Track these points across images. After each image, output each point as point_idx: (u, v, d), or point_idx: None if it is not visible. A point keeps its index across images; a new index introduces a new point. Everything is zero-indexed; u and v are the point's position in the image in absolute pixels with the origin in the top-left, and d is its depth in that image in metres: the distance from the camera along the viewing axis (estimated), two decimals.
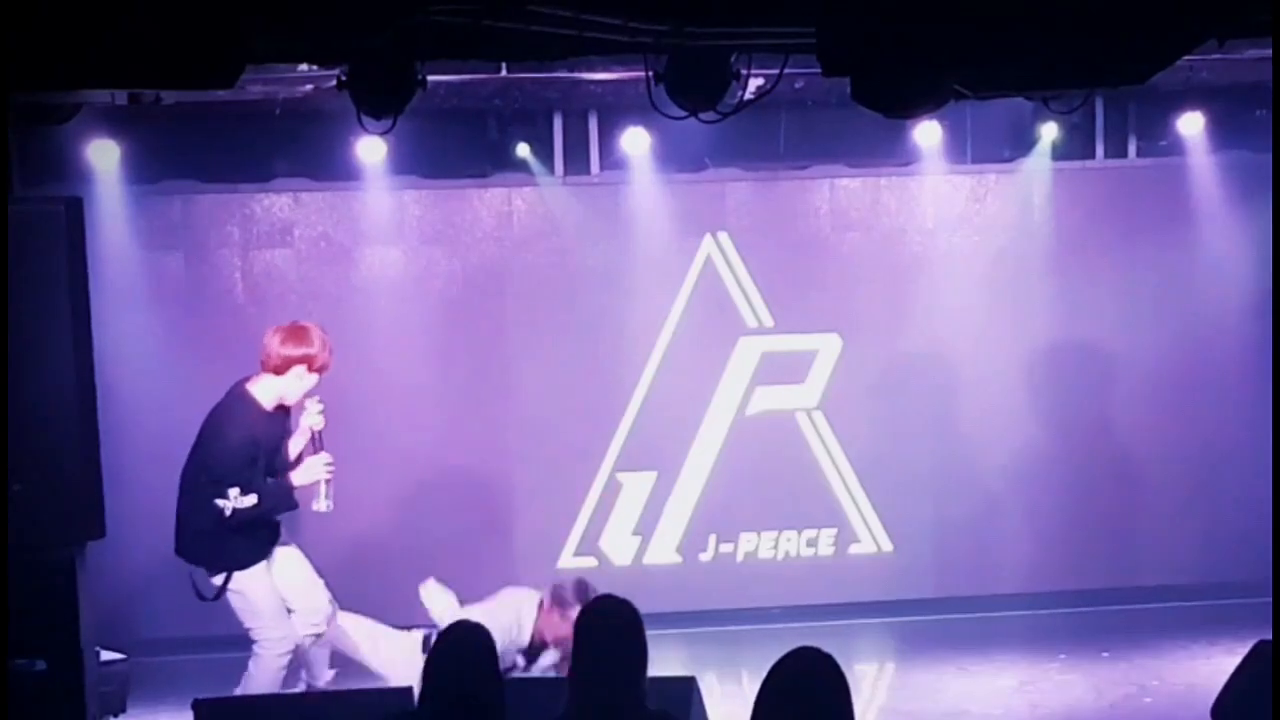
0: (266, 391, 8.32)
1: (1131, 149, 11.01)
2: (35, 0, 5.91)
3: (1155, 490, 10.83)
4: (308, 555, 9.41)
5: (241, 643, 9.24)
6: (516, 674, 8.11)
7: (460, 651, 5.23)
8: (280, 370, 8.29)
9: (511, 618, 8.36)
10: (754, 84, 7.97)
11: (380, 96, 7.68)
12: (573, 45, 7.19)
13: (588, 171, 10.67)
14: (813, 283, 10.76)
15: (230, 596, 8.35)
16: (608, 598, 5.16)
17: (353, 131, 8.83)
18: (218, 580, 8.32)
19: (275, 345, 8.31)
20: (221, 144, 10.17)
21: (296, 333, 8.37)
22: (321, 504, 8.41)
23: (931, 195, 10.81)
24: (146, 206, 10.19)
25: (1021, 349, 10.80)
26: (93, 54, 6.12)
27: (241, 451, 8.17)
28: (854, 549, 10.81)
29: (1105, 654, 9.54)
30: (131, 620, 9.82)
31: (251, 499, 8.14)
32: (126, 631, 9.38)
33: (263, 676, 8.34)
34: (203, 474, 8.23)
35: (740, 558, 10.77)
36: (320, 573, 8.59)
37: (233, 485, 8.09)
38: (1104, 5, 6.54)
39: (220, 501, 8.09)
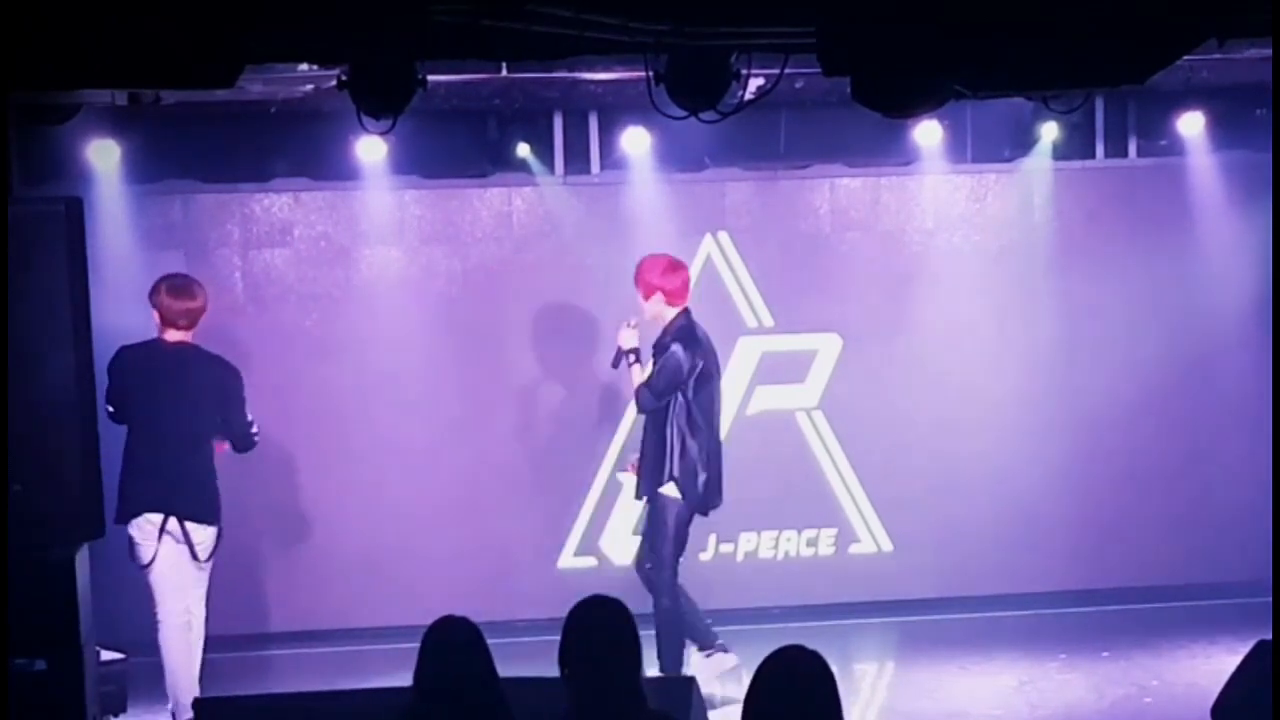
0: None
1: (1131, 149, 11.00)
2: (35, 0, 5.92)
3: (1155, 490, 10.83)
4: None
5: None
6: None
7: (447, 643, 5.23)
8: (194, 325, 8.67)
9: None
10: (754, 84, 7.96)
11: (380, 96, 7.68)
12: (573, 45, 7.19)
13: (588, 171, 10.67)
14: (813, 283, 10.76)
15: (206, 563, 8.53)
16: (599, 598, 5.14)
17: (353, 131, 8.83)
18: (209, 537, 8.50)
19: (182, 304, 8.58)
20: (221, 144, 10.17)
21: (181, 288, 8.65)
22: None
23: (931, 195, 10.81)
24: (146, 206, 10.18)
25: (1021, 348, 10.80)
26: (93, 54, 6.13)
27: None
28: (854, 549, 10.81)
29: (1105, 654, 9.54)
30: (131, 620, 9.80)
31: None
32: (126, 631, 9.36)
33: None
34: (226, 422, 8.60)
35: (740, 558, 10.77)
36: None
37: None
38: (1104, 5, 6.54)
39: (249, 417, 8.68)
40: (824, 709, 4.39)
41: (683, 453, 8.89)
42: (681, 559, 9.05)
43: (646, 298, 9.01)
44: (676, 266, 9.06)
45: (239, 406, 8.65)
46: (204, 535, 8.51)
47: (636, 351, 9.03)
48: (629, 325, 9.06)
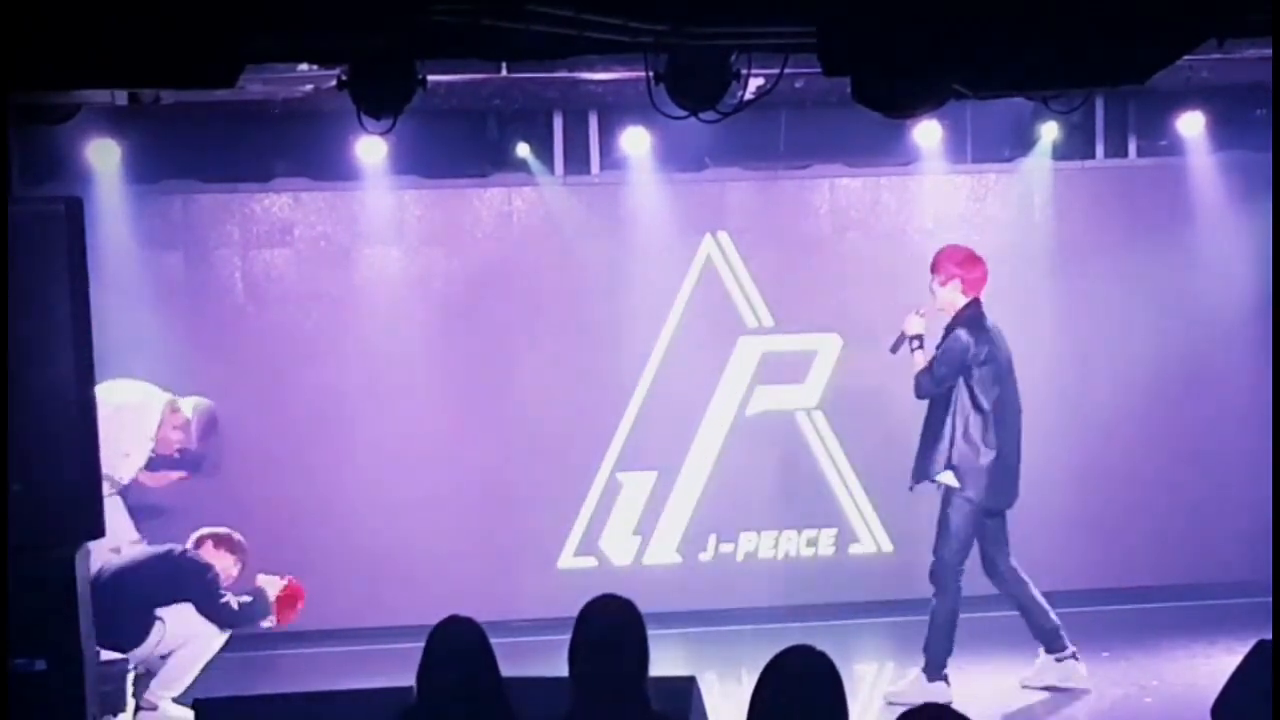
0: None
1: (1131, 149, 11.01)
2: (35, 0, 5.92)
3: (1155, 490, 10.82)
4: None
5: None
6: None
7: (453, 645, 5.23)
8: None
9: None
10: (754, 84, 7.97)
11: (380, 96, 7.68)
12: (573, 45, 7.19)
13: (588, 171, 10.67)
14: (813, 283, 10.76)
15: (164, 654, 8.78)
16: (609, 597, 5.15)
17: (353, 131, 8.82)
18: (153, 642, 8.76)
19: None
20: (221, 144, 10.17)
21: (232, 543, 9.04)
22: (268, 621, 9.05)
23: (931, 195, 10.81)
24: (146, 206, 10.19)
25: (1021, 348, 10.73)
26: (93, 54, 6.13)
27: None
28: (854, 549, 10.81)
29: (1105, 654, 9.53)
30: None
31: (248, 597, 8.93)
32: None
33: (210, 649, 8.86)
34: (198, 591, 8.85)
35: (740, 558, 10.77)
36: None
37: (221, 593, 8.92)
38: (1104, 5, 6.54)
39: (224, 600, 8.85)
40: (829, 709, 4.39)
41: (965, 439, 8.88)
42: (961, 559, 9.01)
43: (944, 284, 9.05)
44: (976, 258, 9.09)
45: (202, 596, 8.81)
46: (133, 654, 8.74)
47: (920, 338, 9.04)
48: (918, 313, 9.08)
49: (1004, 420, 8.95)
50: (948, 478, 8.93)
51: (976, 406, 8.88)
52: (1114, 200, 10.89)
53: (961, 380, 8.90)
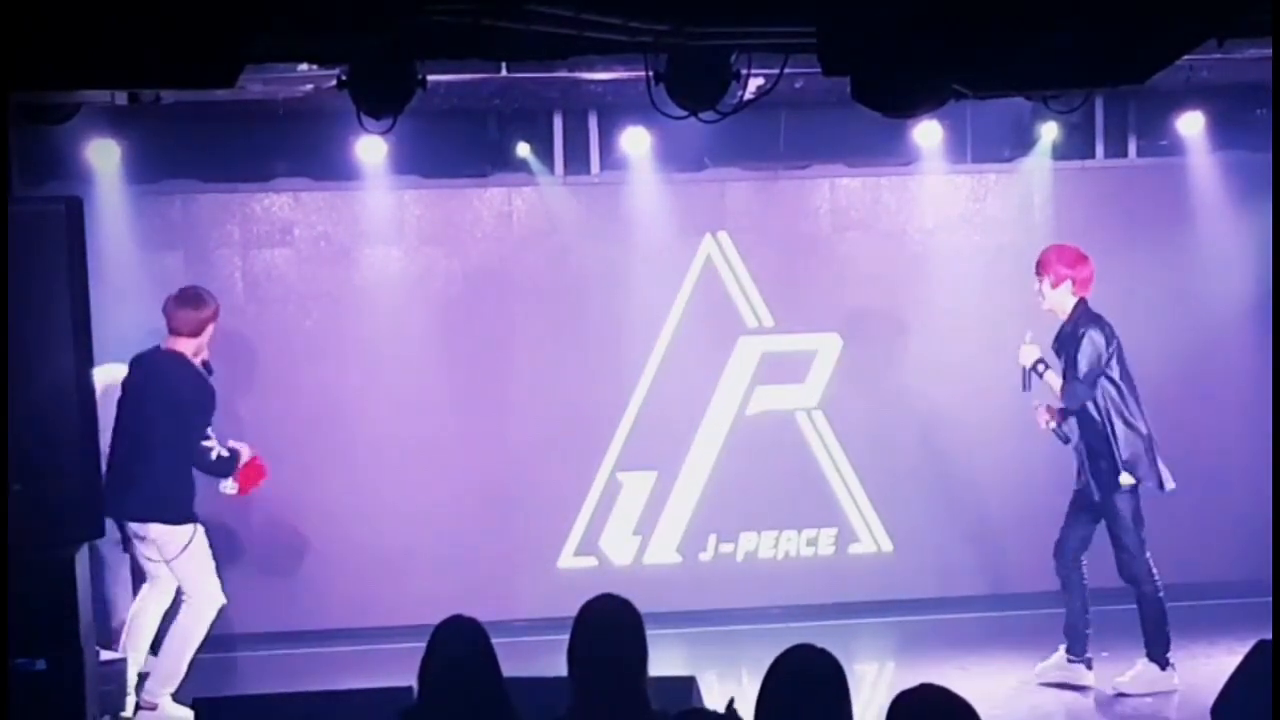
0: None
1: (1131, 149, 11.01)
2: (35, 0, 5.92)
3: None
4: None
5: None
6: None
7: (454, 645, 5.23)
8: (197, 333, 8.84)
9: None
10: (754, 84, 7.97)
11: (380, 96, 7.69)
12: (573, 45, 7.20)
13: (588, 171, 10.67)
14: (813, 283, 10.76)
15: (185, 559, 8.65)
16: (607, 597, 5.15)
17: (353, 131, 8.83)
18: (183, 537, 8.60)
19: (185, 312, 8.83)
20: (221, 144, 10.17)
21: (190, 296, 8.91)
22: (229, 487, 8.93)
23: (931, 195, 10.81)
24: (146, 206, 10.18)
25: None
26: (93, 54, 6.13)
27: (211, 407, 8.84)
28: (854, 549, 10.81)
29: (1105, 654, 9.53)
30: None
31: (226, 451, 8.79)
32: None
33: (198, 631, 8.69)
34: (189, 424, 8.68)
35: (740, 558, 10.77)
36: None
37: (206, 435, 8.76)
38: (1104, 5, 6.54)
39: (208, 444, 8.73)
40: (834, 708, 4.40)
41: (1127, 432, 8.92)
42: None
43: (1055, 285, 9.05)
44: (1085, 257, 9.10)
45: (186, 418, 8.68)
46: (158, 533, 8.60)
47: (1041, 360, 9.07)
48: (1026, 342, 9.11)
49: (1138, 402, 9.02)
50: (1126, 479, 8.97)
51: (1123, 396, 8.95)
52: (1114, 200, 10.88)
53: (1104, 376, 8.96)
